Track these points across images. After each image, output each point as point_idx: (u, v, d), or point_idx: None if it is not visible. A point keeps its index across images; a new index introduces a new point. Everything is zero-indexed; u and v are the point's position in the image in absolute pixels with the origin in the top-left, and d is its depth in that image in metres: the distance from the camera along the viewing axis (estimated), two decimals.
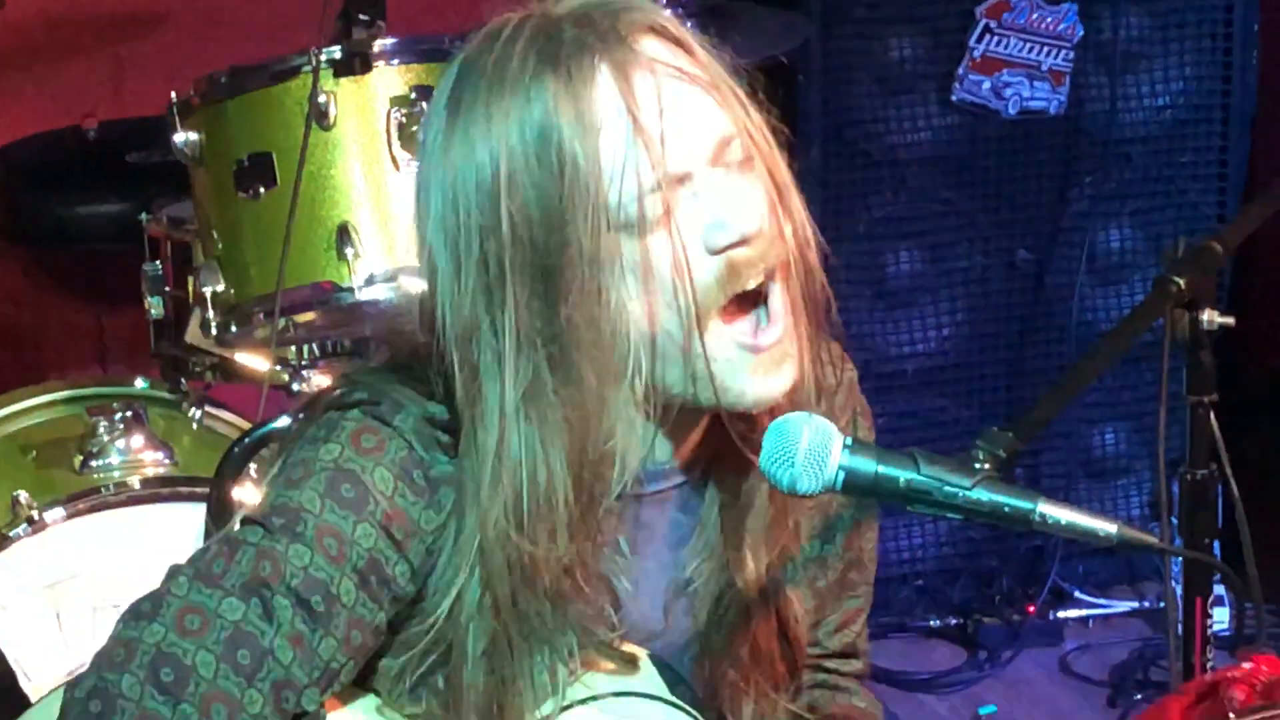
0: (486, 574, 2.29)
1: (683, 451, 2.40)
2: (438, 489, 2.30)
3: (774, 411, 2.30)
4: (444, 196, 2.27)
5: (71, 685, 2.22)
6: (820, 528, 2.54)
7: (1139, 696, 4.97)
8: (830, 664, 2.64)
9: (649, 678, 2.40)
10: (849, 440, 2.27)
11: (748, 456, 2.33)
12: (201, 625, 2.22)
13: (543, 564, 2.28)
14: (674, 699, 2.38)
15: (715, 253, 2.23)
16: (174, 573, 2.28)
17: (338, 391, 2.38)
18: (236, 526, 2.30)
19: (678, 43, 2.28)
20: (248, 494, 3.39)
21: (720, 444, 2.39)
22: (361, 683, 2.39)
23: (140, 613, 2.24)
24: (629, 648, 2.40)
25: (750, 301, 2.27)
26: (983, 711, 2.26)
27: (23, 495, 3.73)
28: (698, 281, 2.22)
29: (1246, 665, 2.34)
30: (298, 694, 2.24)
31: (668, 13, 2.30)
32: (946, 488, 2.27)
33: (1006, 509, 2.27)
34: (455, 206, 2.26)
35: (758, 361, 2.28)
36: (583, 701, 2.37)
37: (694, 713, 2.38)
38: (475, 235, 2.25)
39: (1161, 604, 5.30)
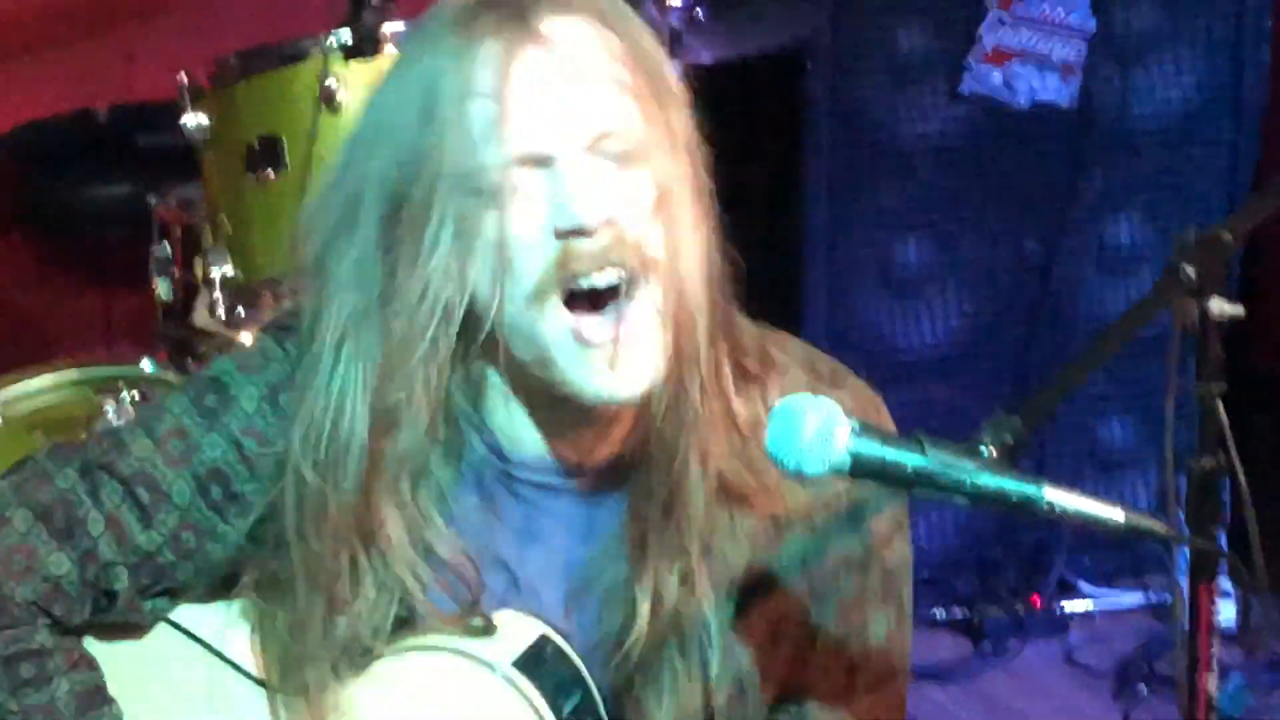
0: (280, 504, 2.33)
1: (563, 450, 2.37)
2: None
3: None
4: (355, 124, 2.35)
5: None
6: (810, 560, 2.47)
7: (1144, 689, 4.97)
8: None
9: (509, 643, 2.38)
10: (856, 424, 2.26)
11: (660, 477, 2.34)
12: (36, 488, 2.34)
13: (332, 506, 2.30)
14: (518, 675, 2.36)
15: (557, 236, 2.23)
16: (47, 444, 2.43)
17: (270, 323, 2.46)
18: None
19: (597, 25, 2.27)
20: None
21: (629, 460, 2.37)
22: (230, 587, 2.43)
23: (9, 470, 2.38)
24: (510, 614, 2.39)
25: (605, 298, 2.25)
26: None
27: None
28: (536, 262, 2.22)
29: None
30: (103, 569, 2.32)
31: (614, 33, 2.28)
32: (953, 472, 2.26)
33: (1012, 494, 2.26)
34: (354, 135, 2.33)
35: (591, 355, 2.25)
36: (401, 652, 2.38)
37: (535, 697, 2.35)
38: (351, 164, 2.31)
39: (1167, 597, 5.30)
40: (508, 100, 2.21)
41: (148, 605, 2.38)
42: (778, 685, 2.48)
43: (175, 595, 2.39)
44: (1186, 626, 2.91)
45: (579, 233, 2.21)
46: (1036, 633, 5.29)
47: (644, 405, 2.30)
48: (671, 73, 2.32)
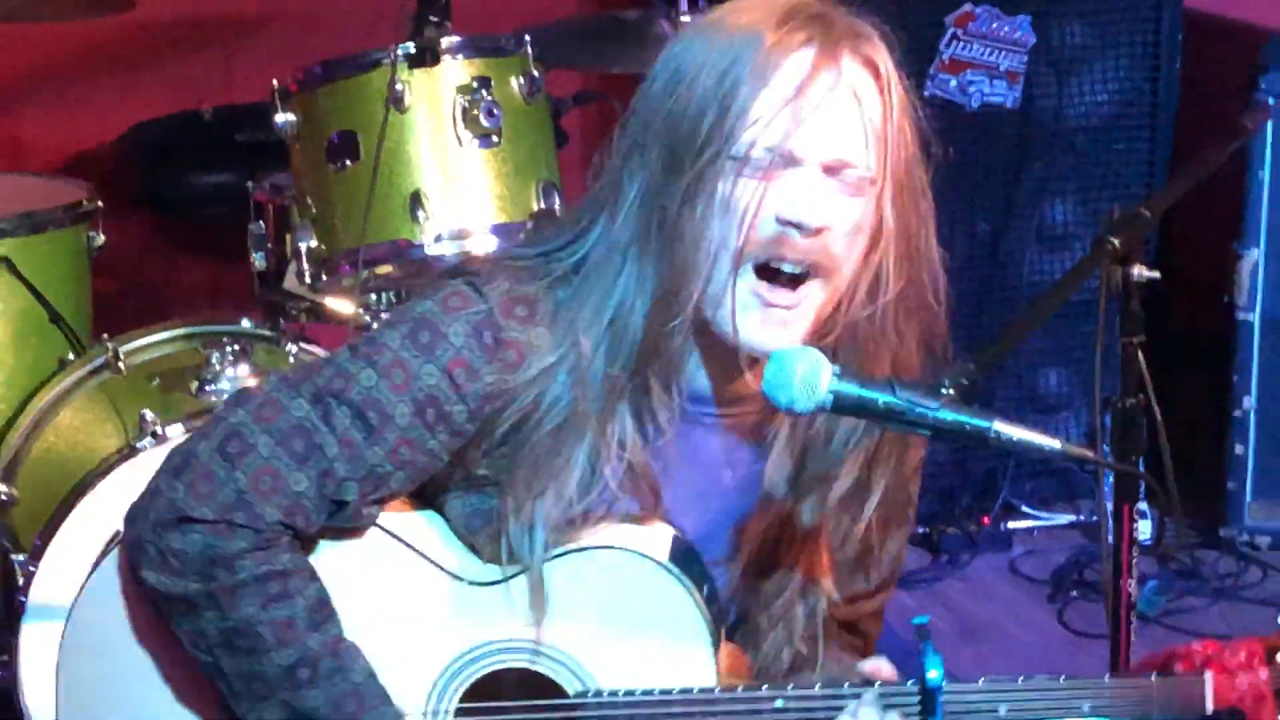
0: (495, 419, 2.35)
1: (721, 389, 2.41)
2: (505, 349, 2.34)
3: None
4: (653, 76, 2.37)
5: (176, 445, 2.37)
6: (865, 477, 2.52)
7: (1075, 594, 4.98)
8: (860, 604, 2.63)
9: (658, 541, 2.41)
10: (837, 368, 2.28)
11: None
12: (272, 415, 2.33)
13: (581, 402, 2.34)
14: (673, 567, 2.38)
15: (779, 221, 2.27)
16: (273, 375, 2.42)
17: (458, 266, 2.48)
18: (342, 348, 2.40)
19: (879, 81, 2.34)
20: None
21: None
22: (429, 503, 2.45)
23: (235, 400, 2.39)
24: (654, 522, 2.42)
25: (789, 280, 2.30)
26: (916, 621, 2.26)
27: (148, 414, 3.73)
28: (756, 231, 2.27)
29: (1195, 645, 2.35)
30: (338, 483, 2.32)
31: (890, 61, 2.37)
32: (918, 408, 2.28)
33: (967, 426, 2.28)
34: (654, 79, 2.35)
35: (765, 315, 2.31)
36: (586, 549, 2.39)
37: (690, 586, 2.38)
38: (649, 105, 2.34)
39: (1094, 517, 5.31)
40: (796, 104, 2.26)
41: (365, 512, 2.39)
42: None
43: (383, 504, 2.40)
44: (1111, 540, 2.92)
45: (798, 227, 2.26)
46: (985, 547, 5.29)
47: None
48: (915, 136, 2.42)
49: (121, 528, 2.41)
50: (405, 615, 2.40)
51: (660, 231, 2.29)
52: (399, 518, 2.42)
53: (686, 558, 2.41)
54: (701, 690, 2.35)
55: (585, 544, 2.38)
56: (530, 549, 2.36)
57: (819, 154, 2.28)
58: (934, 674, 2.24)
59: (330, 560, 2.39)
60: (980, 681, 2.33)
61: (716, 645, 2.39)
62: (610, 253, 2.33)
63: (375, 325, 2.48)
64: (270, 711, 2.32)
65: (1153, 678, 2.33)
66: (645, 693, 2.36)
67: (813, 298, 2.32)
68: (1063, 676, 2.34)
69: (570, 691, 2.39)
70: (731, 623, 2.52)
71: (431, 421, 2.33)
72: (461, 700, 2.41)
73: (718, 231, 2.28)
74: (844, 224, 2.31)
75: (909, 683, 2.33)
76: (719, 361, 2.38)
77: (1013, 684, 2.33)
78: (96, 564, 2.48)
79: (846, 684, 2.35)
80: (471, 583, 2.40)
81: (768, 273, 2.30)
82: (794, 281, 2.31)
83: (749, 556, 2.49)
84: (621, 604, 2.38)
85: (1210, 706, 2.31)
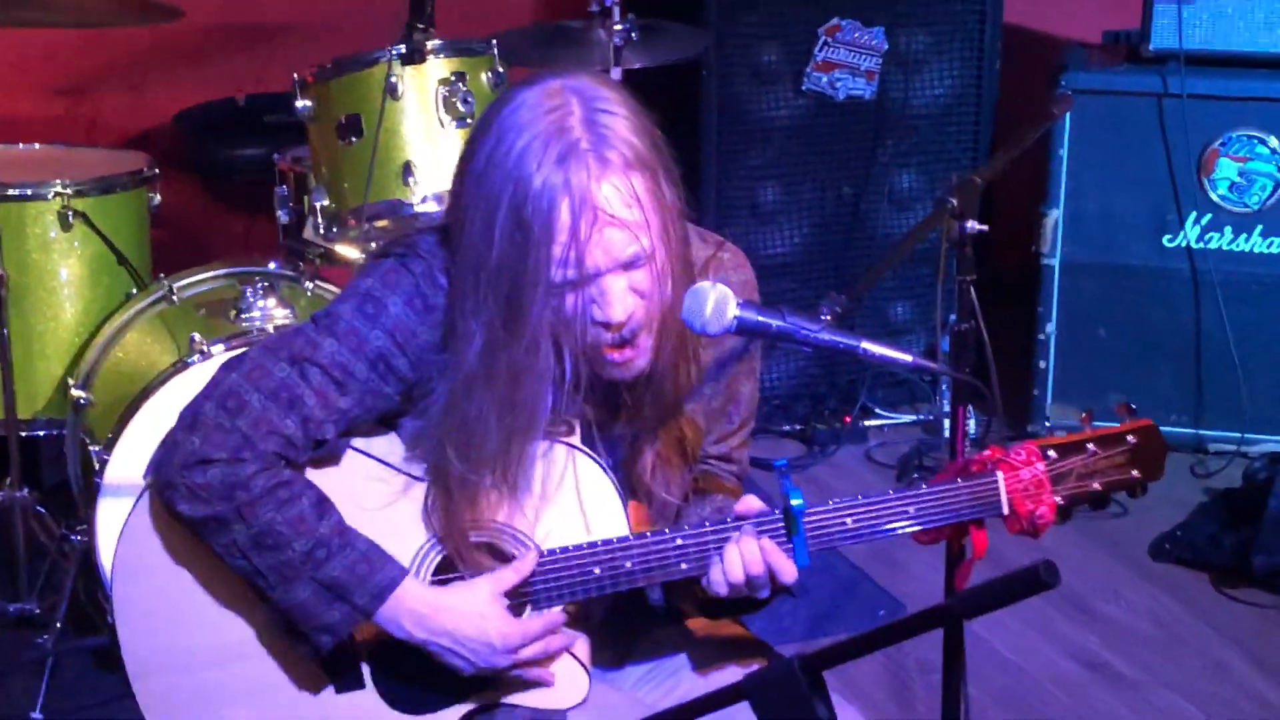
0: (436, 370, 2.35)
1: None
2: (432, 312, 2.34)
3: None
4: (475, 196, 2.27)
5: (186, 406, 2.36)
6: (713, 377, 2.50)
7: (916, 475, 4.99)
8: (712, 463, 2.60)
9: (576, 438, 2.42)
10: (741, 300, 2.27)
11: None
12: (260, 377, 2.31)
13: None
14: (583, 448, 2.39)
15: (595, 323, 2.26)
16: (258, 343, 2.42)
17: (386, 245, 2.43)
18: (306, 321, 2.38)
19: (632, 180, 2.23)
20: None
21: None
22: (388, 426, 2.43)
23: (229, 364, 2.36)
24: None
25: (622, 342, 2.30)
26: (777, 464, 2.28)
27: (196, 336, 3.71)
28: (584, 337, 2.27)
29: (985, 452, 2.35)
30: (319, 426, 2.32)
31: (640, 149, 2.25)
32: (802, 331, 2.26)
33: (841, 345, 2.27)
34: (478, 209, 2.27)
35: (615, 363, 2.31)
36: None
37: (597, 459, 2.39)
38: (469, 241, 2.28)
39: (931, 417, 5.33)
40: (580, 235, 2.20)
41: (340, 443, 2.39)
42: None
43: (353, 434, 2.39)
44: (948, 434, 2.91)
45: (610, 326, 2.26)
46: (848, 440, 5.29)
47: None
48: (673, 182, 2.30)
49: (148, 478, 2.41)
50: (381, 513, 2.38)
51: (494, 346, 2.29)
52: (367, 440, 2.42)
53: (588, 439, 2.42)
54: (620, 539, 2.34)
55: None
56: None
57: (608, 263, 2.24)
58: (796, 501, 2.27)
59: (318, 479, 2.38)
60: (830, 503, 2.32)
61: (625, 505, 2.37)
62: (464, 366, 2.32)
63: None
64: (301, 590, 2.30)
65: (958, 481, 2.32)
66: (577, 547, 2.35)
67: (643, 341, 2.31)
68: (890, 490, 2.34)
69: (516, 555, 2.38)
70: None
71: (384, 373, 2.33)
72: (435, 573, 2.39)
73: (559, 329, 2.28)
74: (642, 294, 2.28)
75: (775, 511, 2.32)
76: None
77: (854, 501, 2.32)
78: (132, 510, 2.45)
79: (729, 518, 2.34)
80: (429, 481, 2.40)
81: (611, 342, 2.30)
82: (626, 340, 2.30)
83: (621, 435, 2.47)
84: (550, 483, 2.37)
85: (1004, 497, 2.32)
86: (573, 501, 2.38)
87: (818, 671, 1.71)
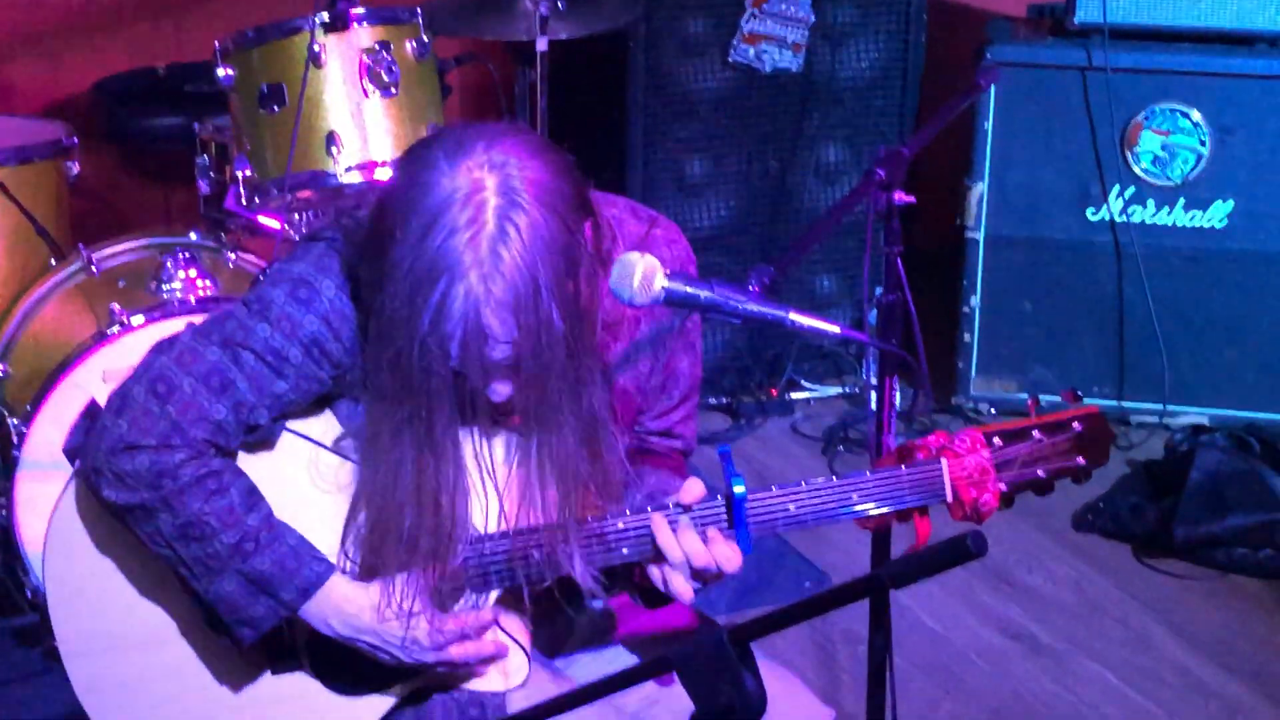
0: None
1: None
2: (362, 297, 2.28)
3: None
4: (383, 245, 2.18)
5: (115, 390, 2.31)
6: (649, 353, 2.48)
7: (841, 448, 5.01)
8: (653, 440, 2.59)
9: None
10: (668, 271, 2.25)
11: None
12: (191, 360, 2.27)
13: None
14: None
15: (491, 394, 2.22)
16: (189, 325, 2.34)
17: (317, 230, 2.38)
18: (237, 304, 2.33)
19: (508, 280, 2.12)
20: None
21: None
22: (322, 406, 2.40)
23: (160, 347, 2.31)
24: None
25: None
26: (720, 450, 2.28)
27: (116, 307, 3.68)
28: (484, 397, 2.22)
29: (929, 438, 2.34)
30: (250, 409, 2.28)
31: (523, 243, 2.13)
32: (731, 301, 2.25)
33: (769, 315, 2.26)
34: (380, 284, 2.18)
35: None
36: None
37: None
38: (379, 303, 2.19)
39: (857, 389, 5.34)
40: (462, 344, 2.13)
41: (273, 428, 2.34)
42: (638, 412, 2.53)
43: (287, 417, 2.36)
44: (874, 407, 2.91)
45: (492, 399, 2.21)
46: (774, 412, 5.30)
47: None
48: (554, 317, 2.17)
49: (75, 462, 2.38)
50: (316, 497, 2.36)
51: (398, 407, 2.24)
52: (303, 421, 2.38)
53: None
54: (559, 522, 2.30)
55: None
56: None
57: (487, 371, 2.18)
58: (739, 489, 2.25)
59: (253, 465, 2.35)
60: (773, 489, 2.30)
61: (571, 492, 2.34)
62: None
63: (261, 278, 2.38)
64: (227, 582, 2.27)
65: (902, 468, 2.30)
66: (517, 531, 2.31)
67: (535, 396, 2.25)
68: (834, 476, 2.31)
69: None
70: None
71: (318, 357, 2.29)
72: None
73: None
74: (518, 378, 2.21)
75: (717, 497, 2.30)
76: None
77: (798, 487, 2.30)
78: (63, 490, 2.43)
79: (671, 503, 2.30)
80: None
81: None
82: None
83: None
84: (488, 467, 2.33)
85: (948, 485, 2.29)
86: (510, 485, 2.35)
87: (746, 642, 1.71)
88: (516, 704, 2.38)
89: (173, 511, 2.25)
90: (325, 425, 2.38)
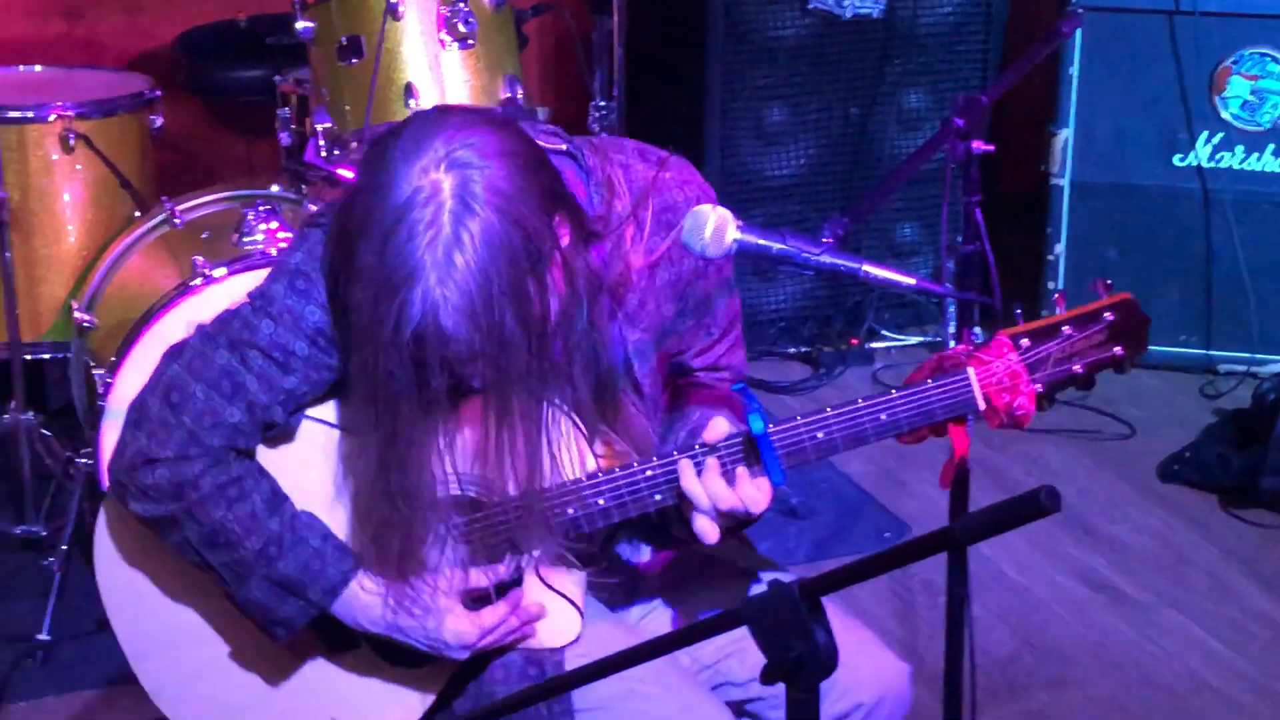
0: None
1: None
2: None
3: None
4: (351, 305, 2.15)
5: (132, 401, 2.31)
6: (674, 300, 2.41)
7: None
8: (700, 376, 2.55)
9: None
10: (741, 223, 2.24)
11: None
12: (201, 366, 2.25)
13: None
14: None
15: None
16: (197, 329, 2.31)
17: (312, 215, 2.34)
18: (241, 301, 2.31)
19: (466, 285, 2.07)
20: None
21: None
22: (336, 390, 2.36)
23: (171, 355, 2.30)
24: None
25: None
26: (734, 388, 2.26)
27: (199, 259, 3.69)
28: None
29: (956, 347, 2.29)
30: (265, 409, 2.26)
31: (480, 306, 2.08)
32: (803, 254, 2.23)
33: (842, 267, 2.24)
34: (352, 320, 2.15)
35: None
36: None
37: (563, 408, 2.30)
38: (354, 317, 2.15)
39: (938, 337, 5.32)
40: (422, 347, 2.08)
41: (290, 422, 2.32)
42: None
43: (304, 408, 2.34)
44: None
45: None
46: (854, 362, 5.29)
47: None
48: (507, 321, 2.11)
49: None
50: (339, 478, 2.34)
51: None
52: (323, 408, 2.36)
53: None
54: (588, 476, 2.29)
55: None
56: None
57: (451, 372, 2.12)
58: (757, 425, 2.19)
59: (275, 455, 2.34)
60: (798, 418, 2.25)
61: (590, 440, 2.32)
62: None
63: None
64: (256, 588, 2.27)
65: (929, 382, 2.24)
66: (547, 490, 2.28)
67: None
68: (860, 398, 2.26)
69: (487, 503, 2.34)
70: None
71: (324, 346, 2.26)
72: None
73: None
74: (480, 377, 2.16)
75: (740, 435, 2.24)
76: None
77: (823, 413, 2.25)
78: (104, 500, 2.44)
79: (697, 445, 2.26)
80: None
81: None
82: None
83: (580, 355, 2.38)
84: None
85: (978, 393, 2.22)
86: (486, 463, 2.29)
87: (817, 596, 1.70)
88: (574, 660, 2.38)
89: (197, 521, 2.25)
90: (343, 408, 2.36)
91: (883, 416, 2.24)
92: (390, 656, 2.40)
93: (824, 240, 2.28)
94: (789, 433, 2.24)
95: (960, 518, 1.63)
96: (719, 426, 2.27)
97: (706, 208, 2.24)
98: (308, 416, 2.35)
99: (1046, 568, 4.15)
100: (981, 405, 2.24)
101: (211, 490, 2.24)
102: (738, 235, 2.22)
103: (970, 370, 2.23)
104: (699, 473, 2.25)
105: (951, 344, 2.88)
